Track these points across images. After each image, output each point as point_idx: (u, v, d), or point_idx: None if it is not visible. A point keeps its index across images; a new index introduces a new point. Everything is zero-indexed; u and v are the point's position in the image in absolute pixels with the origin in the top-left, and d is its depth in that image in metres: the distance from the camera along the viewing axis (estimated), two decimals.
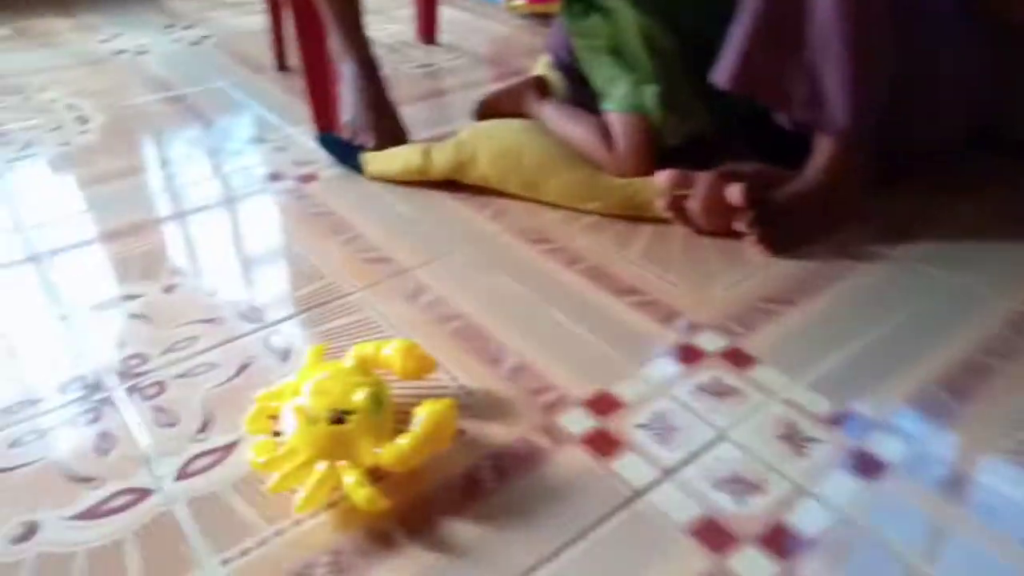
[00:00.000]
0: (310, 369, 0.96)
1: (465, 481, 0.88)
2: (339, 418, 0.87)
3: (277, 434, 0.92)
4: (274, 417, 0.93)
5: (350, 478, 0.82)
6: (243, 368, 1.05)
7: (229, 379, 1.03)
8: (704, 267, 1.25)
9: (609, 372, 1.04)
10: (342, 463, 0.84)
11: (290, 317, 1.15)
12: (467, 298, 1.19)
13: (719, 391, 1.00)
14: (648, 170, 1.33)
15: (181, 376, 1.04)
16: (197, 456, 0.92)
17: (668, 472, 0.89)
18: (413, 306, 1.17)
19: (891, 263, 1.24)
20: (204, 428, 0.96)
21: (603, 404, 0.99)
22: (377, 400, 0.88)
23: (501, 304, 1.17)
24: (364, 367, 0.94)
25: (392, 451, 0.84)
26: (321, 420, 0.85)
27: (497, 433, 0.95)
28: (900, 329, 1.10)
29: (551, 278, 1.23)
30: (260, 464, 0.84)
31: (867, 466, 0.89)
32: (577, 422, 0.96)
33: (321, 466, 0.83)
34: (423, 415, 0.88)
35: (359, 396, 0.87)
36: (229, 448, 0.93)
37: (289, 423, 0.87)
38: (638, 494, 0.87)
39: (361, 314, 1.15)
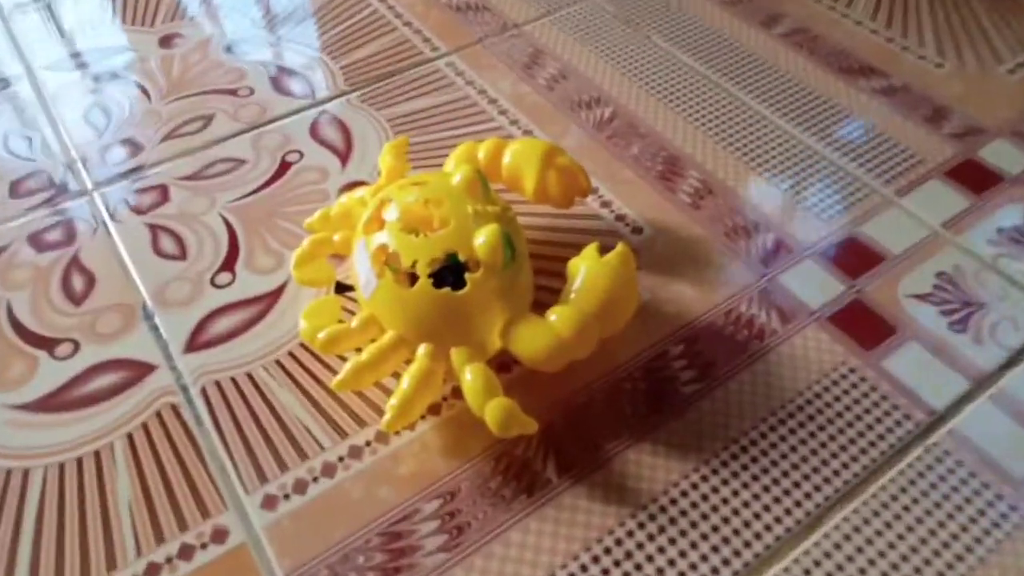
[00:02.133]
0: (391, 180, 0.59)
1: (651, 382, 0.54)
2: (451, 272, 0.51)
3: (343, 289, 0.58)
4: (340, 257, 0.58)
5: (471, 375, 0.48)
6: (280, 172, 0.68)
7: (258, 187, 0.67)
8: (975, 29, 0.81)
9: (852, 201, 0.66)
10: (456, 349, 0.50)
11: (343, 94, 0.76)
12: (617, 73, 0.78)
13: None
14: None
15: (188, 179, 0.68)
16: (210, 316, 0.58)
17: (981, 382, 0.54)
18: (533, 81, 0.77)
19: None
20: (224, 267, 0.61)
21: (855, 253, 0.62)
22: (510, 244, 0.51)
23: (672, 83, 0.77)
24: (475, 184, 0.56)
25: (541, 334, 0.49)
26: (421, 275, 0.50)
27: (692, 301, 0.59)
28: None
29: (744, 47, 0.81)
30: (320, 341, 0.51)
31: None
32: (817, 283, 0.60)
33: (422, 348, 0.50)
34: (586, 271, 0.52)
35: (481, 237, 0.50)
36: (264, 303, 0.59)
37: (365, 274, 0.52)
38: (940, 417, 0.52)
39: (455, 92, 0.76)
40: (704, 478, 0.50)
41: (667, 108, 0.74)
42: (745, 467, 0.50)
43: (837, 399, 0.54)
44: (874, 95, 0.76)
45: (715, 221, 0.64)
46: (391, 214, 0.52)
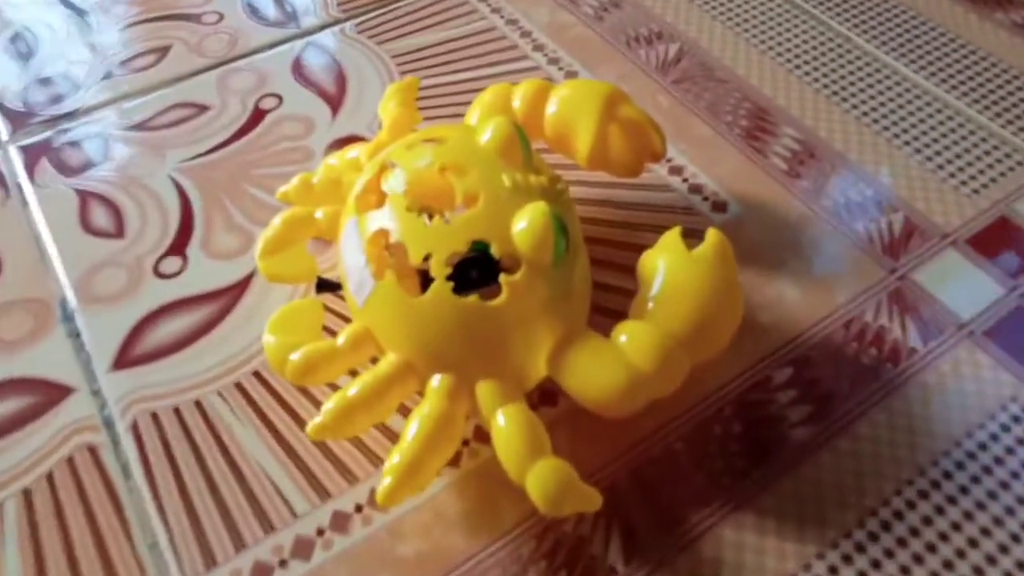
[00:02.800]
0: (395, 136, 0.43)
1: (749, 424, 0.39)
2: (479, 272, 0.36)
3: (328, 288, 0.42)
4: (325, 242, 0.43)
5: (506, 423, 0.34)
6: (252, 122, 0.53)
7: (223, 142, 0.52)
8: None
9: (1001, 171, 0.50)
10: (484, 383, 0.35)
11: (335, 23, 0.59)
12: (684, 0, 0.61)
13: None
14: None
15: (134, 129, 0.52)
16: (151, 319, 0.44)
17: None
18: (577, 9, 0.60)
19: None
20: (173, 249, 0.46)
21: (1012, 241, 0.46)
22: (564, 231, 0.36)
23: (758, 15, 0.60)
24: (513, 143, 0.40)
25: (608, 364, 0.34)
26: (436, 276, 0.34)
27: (798, 307, 0.44)
28: None
29: None
30: (292, 366, 0.36)
31: None
32: (966, 283, 0.45)
33: (436, 380, 0.35)
34: (667, 271, 0.36)
35: (523, 222, 0.35)
36: (223, 300, 0.44)
37: (357, 271, 0.37)
38: None
39: (477, 21, 0.59)
40: (833, 569, 0.35)
41: (751, 46, 0.58)
42: (889, 552, 0.36)
43: (1010, 452, 0.39)
44: (1016, 31, 0.59)
45: (820, 194, 0.49)
46: (395, 184, 0.37)
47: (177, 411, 0.40)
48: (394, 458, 0.33)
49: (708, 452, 0.38)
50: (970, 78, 0.55)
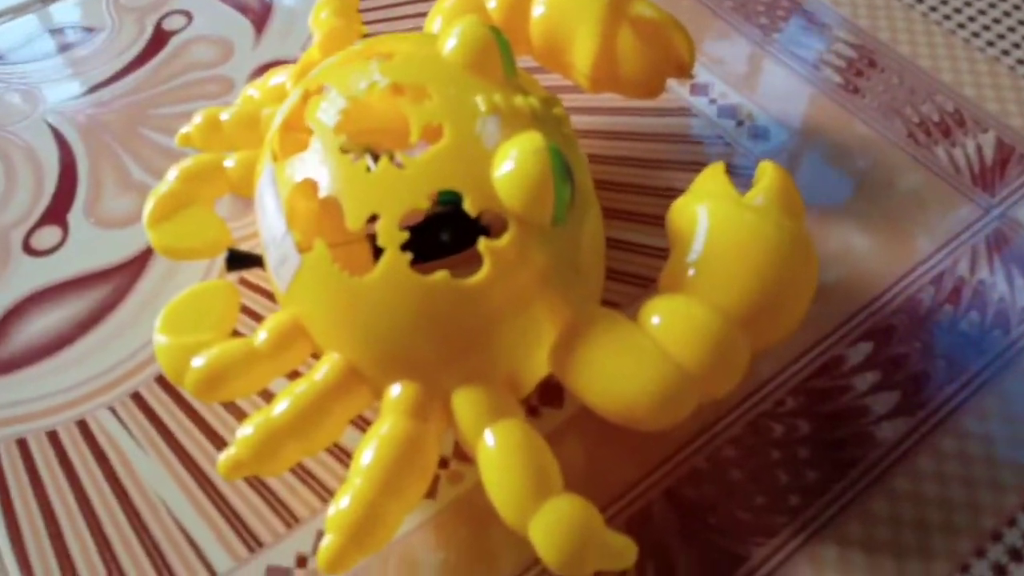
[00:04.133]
0: (330, 52, 0.32)
1: (819, 421, 0.30)
2: (449, 235, 0.26)
3: (244, 263, 0.31)
4: (243, 198, 0.32)
5: (498, 448, 0.24)
6: (153, 47, 0.41)
7: (115, 75, 0.40)
8: None
9: None
10: (462, 392, 0.25)
11: None
12: None
13: None
14: None
15: None
16: (18, 310, 0.33)
17: None
18: None
19: None
20: (49, 216, 0.35)
21: None
22: (567, 172, 0.25)
23: None
24: (489, 51, 0.28)
25: (638, 362, 0.24)
26: (387, 245, 0.24)
27: (872, 261, 0.34)
28: None
29: None
30: (193, 376, 0.25)
31: None
32: None
33: (396, 390, 0.25)
34: (711, 225, 0.26)
35: (509, 162, 0.24)
36: (115, 282, 0.33)
37: (277, 241, 0.26)
38: None
39: None
40: None
41: None
42: None
43: None
44: None
45: (889, 112, 0.38)
46: (325, 116, 0.26)
47: (53, 436, 0.30)
48: (341, 502, 0.23)
49: (768, 462, 0.29)
50: None
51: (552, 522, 0.23)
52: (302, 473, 0.29)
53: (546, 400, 0.30)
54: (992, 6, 0.42)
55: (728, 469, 0.29)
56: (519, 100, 0.26)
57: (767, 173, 0.27)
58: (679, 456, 0.29)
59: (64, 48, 0.41)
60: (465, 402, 0.25)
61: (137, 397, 0.30)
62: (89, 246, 0.34)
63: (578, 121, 0.37)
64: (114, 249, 0.34)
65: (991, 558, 0.27)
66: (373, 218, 0.24)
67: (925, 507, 0.28)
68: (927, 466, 0.29)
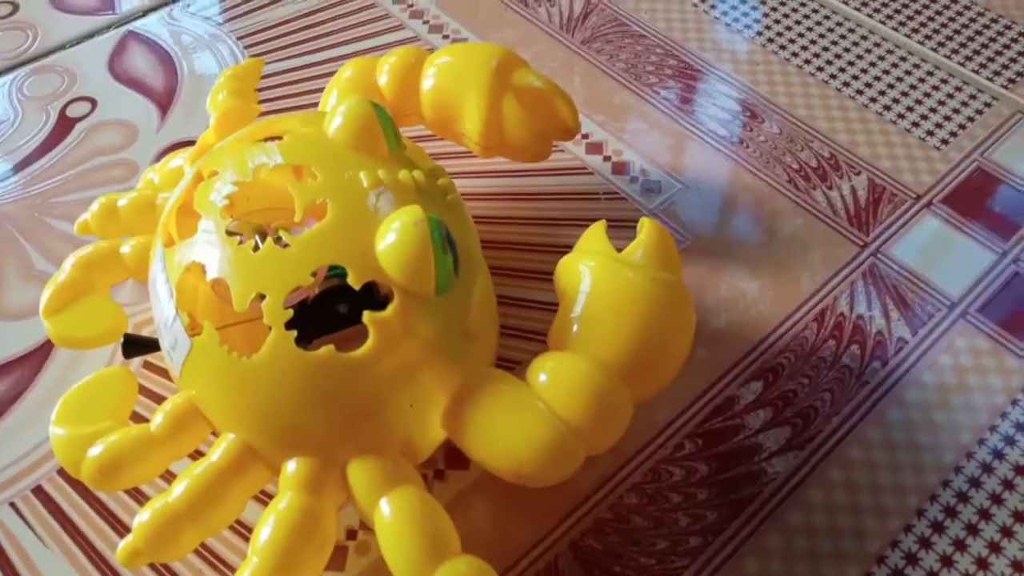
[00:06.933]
0: (225, 133, 0.33)
1: (717, 462, 0.31)
2: (336, 307, 0.27)
3: (140, 349, 0.31)
4: (142, 283, 0.33)
5: (392, 516, 0.24)
6: (58, 134, 0.41)
7: (20, 163, 0.40)
8: None
9: (968, 115, 0.43)
10: (356, 463, 0.25)
11: (163, 4, 0.48)
12: None
13: None
14: None
15: None
16: None
17: None
18: None
19: None
20: None
21: (993, 197, 0.39)
22: (450, 242, 0.26)
23: None
24: (371, 127, 0.29)
25: (526, 420, 0.25)
26: (273, 324, 0.25)
27: (759, 304, 0.35)
28: None
29: None
30: (90, 466, 0.25)
31: None
32: (951, 254, 0.37)
33: (292, 466, 0.25)
34: (594, 281, 0.27)
35: (391, 235, 0.25)
36: (15, 376, 0.33)
37: (168, 326, 0.27)
38: None
39: None
40: None
41: None
42: None
43: None
44: None
45: (771, 162, 0.40)
46: (217, 195, 0.27)
47: None
48: None
49: (669, 506, 0.30)
50: (917, 12, 0.48)
51: None
52: (208, 554, 0.29)
53: (452, 464, 0.31)
54: (860, 57, 0.45)
55: (631, 516, 0.30)
56: (403, 174, 0.28)
57: (644, 228, 0.29)
58: (583, 509, 0.30)
59: None
60: (360, 473, 0.25)
61: (39, 491, 0.30)
62: None
63: (474, 185, 0.38)
64: (16, 342, 0.34)
65: None
66: (259, 298, 0.25)
67: (816, 538, 0.29)
68: (817, 498, 0.30)
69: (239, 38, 0.46)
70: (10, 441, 0.31)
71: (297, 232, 0.26)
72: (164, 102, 0.42)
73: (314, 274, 0.25)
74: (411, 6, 0.48)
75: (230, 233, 0.26)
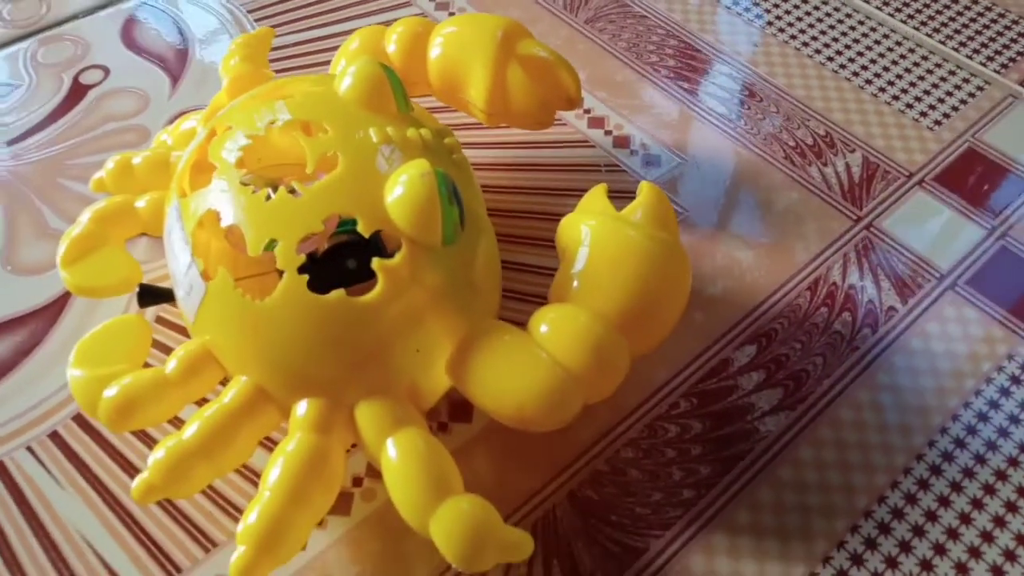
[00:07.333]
0: (237, 95, 0.33)
1: (711, 419, 0.32)
2: (346, 258, 0.28)
3: (155, 298, 0.32)
4: (154, 238, 0.33)
5: (398, 457, 0.25)
6: (71, 100, 0.42)
7: (33, 127, 0.41)
8: None
9: (961, 98, 0.44)
10: (365, 405, 0.26)
11: None
12: None
13: None
14: None
15: None
16: None
17: None
18: None
19: None
20: None
21: (984, 176, 0.40)
22: (456, 196, 0.27)
23: None
24: (380, 87, 0.30)
25: (526, 366, 0.26)
26: (286, 269, 0.26)
27: (755, 272, 0.36)
28: None
29: None
30: (106, 406, 0.26)
31: None
32: (941, 228, 0.38)
33: (302, 408, 0.26)
34: (594, 239, 0.28)
35: (399, 187, 0.26)
36: (32, 327, 0.34)
37: (184, 272, 0.28)
38: None
39: None
40: None
41: None
42: (892, 561, 0.29)
43: (1015, 420, 0.32)
44: None
45: (768, 139, 0.41)
46: (230, 150, 0.28)
47: None
48: (250, 516, 0.24)
49: (664, 460, 0.31)
50: (913, 0, 0.49)
51: (450, 520, 0.24)
52: (217, 498, 0.30)
53: (455, 417, 0.32)
54: (856, 41, 0.47)
55: (627, 469, 0.31)
56: (411, 132, 0.29)
57: (643, 191, 0.30)
58: (581, 461, 0.31)
59: None
60: (367, 414, 0.26)
61: (55, 436, 0.31)
62: (6, 294, 0.35)
63: (475, 155, 0.39)
64: (31, 295, 0.35)
65: (864, 533, 0.29)
66: (271, 244, 0.26)
67: (806, 493, 0.30)
68: (807, 455, 0.31)
69: (249, 11, 0.47)
70: (27, 389, 0.32)
71: (308, 184, 0.27)
72: (175, 71, 0.43)
73: (325, 221, 0.26)
74: None
75: (244, 184, 0.27)
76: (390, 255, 0.28)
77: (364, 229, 0.26)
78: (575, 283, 0.28)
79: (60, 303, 0.35)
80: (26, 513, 0.29)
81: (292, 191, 0.27)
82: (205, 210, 0.27)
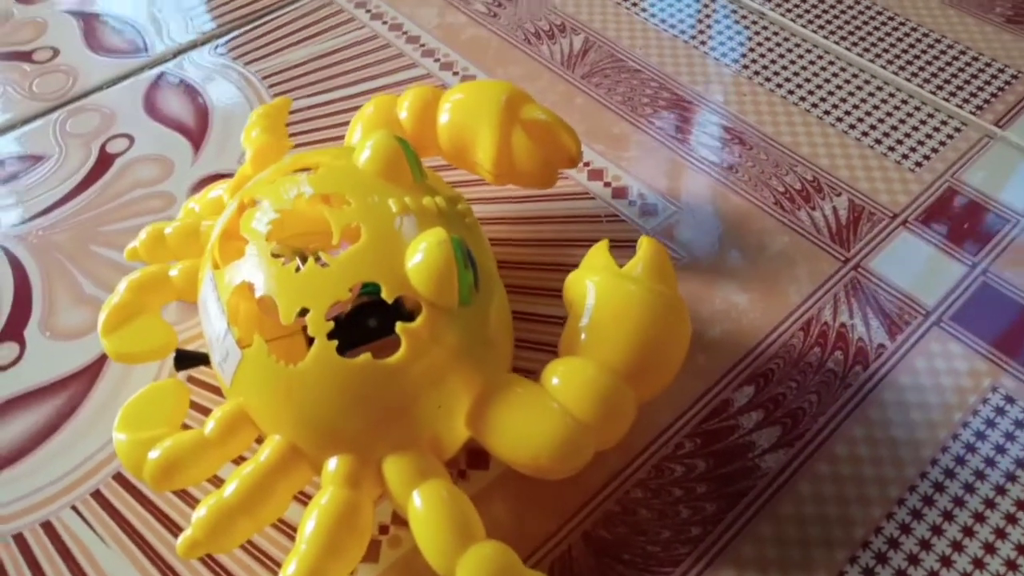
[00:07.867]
0: (262, 167, 0.36)
1: (715, 458, 0.34)
2: (371, 320, 0.30)
3: (191, 362, 0.34)
4: (188, 303, 0.36)
5: (424, 507, 0.27)
6: (99, 169, 0.45)
7: (64, 197, 0.43)
8: None
9: (940, 140, 0.46)
10: (392, 459, 0.28)
11: (193, 46, 0.52)
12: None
13: None
14: None
15: None
16: None
17: None
18: (467, 7, 0.55)
19: None
20: (6, 332, 0.38)
21: (964, 215, 0.42)
22: (470, 260, 0.29)
23: (658, 1, 0.55)
24: (397, 159, 0.33)
25: (540, 417, 0.28)
26: (316, 335, 0.28)
27: (750, 314, 0.39)
28: None
29: None
30: (150, 468, 0.28)
31: None
32: (924, 266, 0.40)
33: (333, 464, 0.28)
34: (599, 294, 0.30)
35: (419, 254, 0.28)
36: (72, 389, 0.36)
37: (219, 339, 0.30)
38: None
39: (357, 31, 0.53)
40: None
41: (659, 32, 0.53)
42: None
43: (1001, 450, 0.34)
44: None
45: (759, 185, 0.44)
46: (259, 223, 0.30)
47: (20, 538, 0.32)
48: (289, 568, 0.26)
49: (671, 499, 0.33)
50: (892, 45, 0.52)
51: (475, 564, 0.26)
52: (256, 552, 0.31)
53: (473, 464, 0.34)
54: (839, 87, 0.49)
55: (637, 509, 0.33)
56: (427, 200, 0.31)
57: (643, 246, 0.32)
58: (593, 503, 0.33)
59: (16, 175, 0.44)
60: (394, 468, 0.28)
61: (98, 495, 0.33)
62: (45, 359, 0.37)
63: (484, 210, 0.42)
64: (69, 360, 0.37)
65: (862, 563, 0.31)
66: (303, 313, 0.28)
67: (806, 526, 0.32)
68: (806, 489, 0.33)
69: (264, 77, 0.49)
70: (68, 451, 0.34)
71: (334, 254, 0.29)
72: (197, 138, 0.46)
73: (351, 290, 0.28)
74: (423, 45, 0.51)
75: (274, 256, 0.29)
76: (408, 313, 0.30)
77: (388, 295, 0.28)
78: (583, 336, 0.30)
79: (97, 366, 0.37)
80: (74, 571, 0.31)
81: (318, 259, 0.29)
82: (240, 281, 0.29)
